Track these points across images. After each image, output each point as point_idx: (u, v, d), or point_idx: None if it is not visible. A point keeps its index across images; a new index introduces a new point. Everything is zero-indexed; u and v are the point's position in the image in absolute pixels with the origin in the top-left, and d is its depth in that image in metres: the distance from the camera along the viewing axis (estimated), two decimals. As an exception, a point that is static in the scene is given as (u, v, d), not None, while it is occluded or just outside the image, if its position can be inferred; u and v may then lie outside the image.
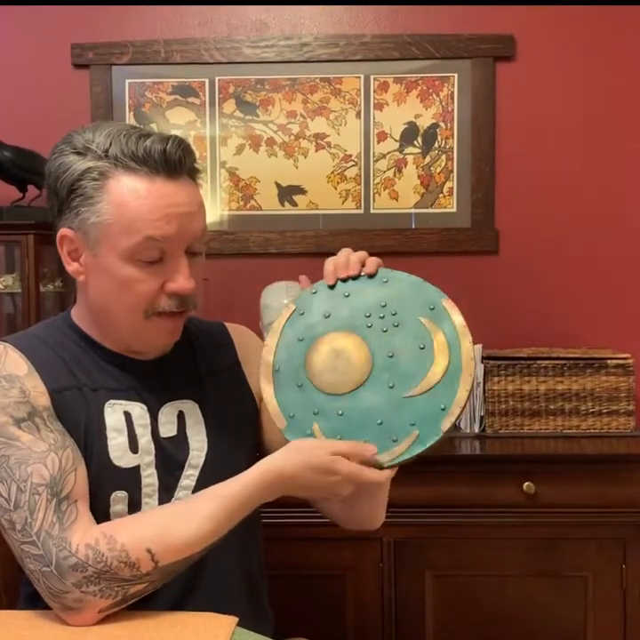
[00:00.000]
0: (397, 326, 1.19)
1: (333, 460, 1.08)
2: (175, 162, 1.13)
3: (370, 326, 1.19)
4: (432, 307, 1.19)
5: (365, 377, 1.17)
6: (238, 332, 1.35)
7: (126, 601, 1.05)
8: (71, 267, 1.18)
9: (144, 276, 1.13)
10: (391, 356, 1.17)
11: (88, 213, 1.12)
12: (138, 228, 1.11)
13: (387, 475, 1.12)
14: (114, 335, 1.20)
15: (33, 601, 1.10)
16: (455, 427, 1.18)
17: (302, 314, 1.23)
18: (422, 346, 1.17)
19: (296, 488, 1.11)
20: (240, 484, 1.09)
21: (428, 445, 1.12)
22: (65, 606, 1.03)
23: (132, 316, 1.15)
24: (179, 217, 1.13)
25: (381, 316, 1.20)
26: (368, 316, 1.20)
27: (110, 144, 1.12)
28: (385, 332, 1.19)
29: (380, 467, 1.12)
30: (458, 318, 1.18)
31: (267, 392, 1.20)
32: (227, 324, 1.38)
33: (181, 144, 1.14)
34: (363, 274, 1.23)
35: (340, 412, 1.15)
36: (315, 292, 1.24)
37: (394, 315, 1.19)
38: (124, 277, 1.13)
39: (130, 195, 1.11)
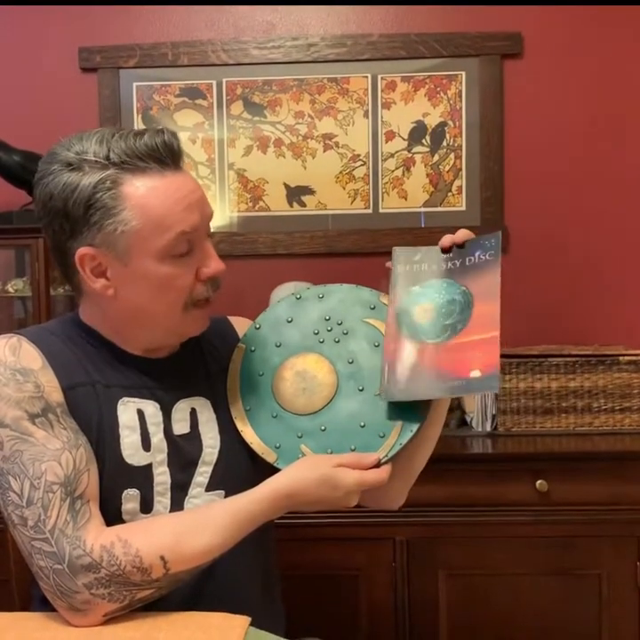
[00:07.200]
0: (347, 334, 1.24)
1: (336, 471, 1.12)
2: (176, 152, 1.14)
3: (322, 342, 1.24)
4: (372, 306, 1.25)
5: (335, 389, 1.21)
6: (241, 325, 1.35)
7: (131, 606, 1.05)
8: (97, 284, 1.14)
9: (180, 270, 1.14)
10: (351, 362, 1.22)
11: (114, 224, 1.10)
12: (169, 225, 1.11)
13: (386, 470, 1.15)
14: (142, 337, 1.20)
15: (46, 603, 1.09)
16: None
17: (254, 350, 1.27)
18: (376, 344, 1.22)
19: (304, 504, 1.13)
20: (251, 499, 1.11)
21: (414, 430, 1.16)
22: (71, 606, 1.03)
23: (172, 312, 1.16)
24: (197, 204, 1.14)
25: (329, 328, 1.25)
26: (317, 333, 1.25)
27: (108, 150, 1.10)
28: (337, 342, 1.24)
29: (378, 464, 1.15)
30: None
31: (247, 433, 1.22)
32: (229, 318, 1.38)
33: (173, 133, 1.15)
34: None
35: (323, 428, 1.20)
36: (258, 327, 1.29)
37: (340, 324, 1.25)
38: (162, 277, 1.13)
39: (149, 194, 1.10)
